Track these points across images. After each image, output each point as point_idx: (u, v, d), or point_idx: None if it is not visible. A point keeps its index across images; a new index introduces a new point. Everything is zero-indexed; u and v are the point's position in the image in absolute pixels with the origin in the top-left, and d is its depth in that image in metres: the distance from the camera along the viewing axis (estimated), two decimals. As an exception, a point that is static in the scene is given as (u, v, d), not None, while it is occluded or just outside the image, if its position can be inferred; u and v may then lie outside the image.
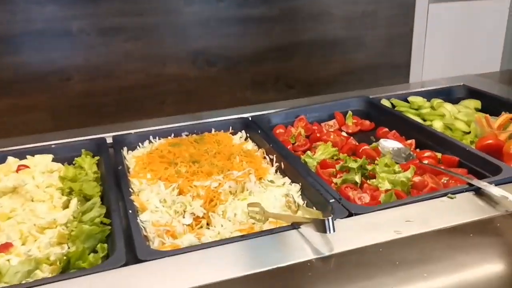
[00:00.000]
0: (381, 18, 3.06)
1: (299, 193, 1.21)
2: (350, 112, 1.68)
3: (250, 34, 2.87)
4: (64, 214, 1.12)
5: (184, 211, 1.15)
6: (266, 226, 1.07)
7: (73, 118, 2.67)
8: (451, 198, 1.07)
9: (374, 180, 1.23)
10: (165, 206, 1.15)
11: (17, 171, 1.31)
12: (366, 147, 1.43)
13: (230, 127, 1.58)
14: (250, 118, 1.61)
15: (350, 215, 1.04)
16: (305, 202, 1.18)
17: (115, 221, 1.06)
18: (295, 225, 1.00)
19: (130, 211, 1.09)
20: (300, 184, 1.23)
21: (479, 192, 1.09)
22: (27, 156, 1.39)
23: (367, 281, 0.85)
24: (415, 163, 1.27)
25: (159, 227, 1.07)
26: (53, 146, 1.45)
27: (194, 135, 1.55)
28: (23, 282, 0.90)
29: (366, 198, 1.17)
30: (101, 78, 2.68)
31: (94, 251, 1.01)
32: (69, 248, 1.02)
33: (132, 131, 1.52)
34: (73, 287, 0.86)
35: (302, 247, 0.94)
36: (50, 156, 1.41)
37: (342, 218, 1.02)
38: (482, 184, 1.08)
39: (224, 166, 1.30)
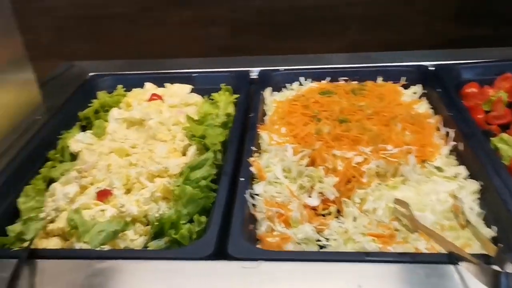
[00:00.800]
0: None
1: (476, 196, 0.83)
2: None
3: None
4: (178, 163, 0.96)
5: (312, 188, 0.88)
6: (414, 239, 0.75)
7: (251, 36, 2.50)
8: None
9: None
10: (289, 178, 0.90)
11: (149, 99, 1.18)
12: None
13: (404, 78, 1.20)
14: (432, 68, 1.21)
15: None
16: (483, 213, 0.80)
17: (221, 189, 0.85)
18: (453, 257, 0.66)
19: (243, 179, 0.87)
20: (481, 183, 0.84)
21: None
22: (166, 84, 1.25)
23: None
24: None
25: (271, 208, 0.83)
26: (194, 75, 1.28)
27: (355, 82, 1.21)
28: (98, 249, 0.76)
29: None
30: (284, -5, 2.42)
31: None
32: (169, 208, 0.86)
33: (282, 68, 1.26)
34: (138, 270, 0.69)
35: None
36: (189, 87, 1.25)
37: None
38: None
39: (379, 133, 0.97)
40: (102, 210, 0.85)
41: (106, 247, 0.78)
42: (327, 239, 0.79)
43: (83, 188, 0.92)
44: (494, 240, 0.74)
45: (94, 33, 2.15)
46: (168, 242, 0.81)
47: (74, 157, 1.03)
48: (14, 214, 0.89)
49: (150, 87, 1.24)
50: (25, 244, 0.80)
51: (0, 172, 0.93)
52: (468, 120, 0.99)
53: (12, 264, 0.70)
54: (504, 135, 0.95)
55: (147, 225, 0.85)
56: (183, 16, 2.50)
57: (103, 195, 0.88)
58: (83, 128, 1.15)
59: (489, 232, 0.76)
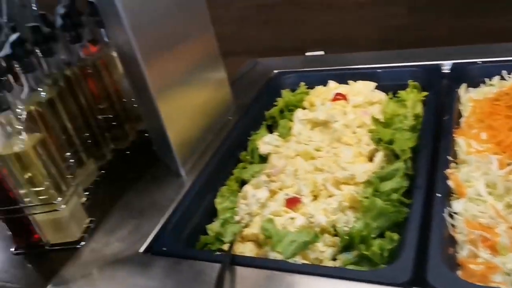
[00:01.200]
0: None
1: None
2: None
3: None
4: (364, 170, 0.92)
5: (522, 208, 0.77)
6: None
7: (431, 15, 2.30)
8: None
9: None
10: (493, 194, 0.80)
11: (333, 99, 1.15)
12: None
13: None
14: None
15: None
16: None
17: (415, 204, 0.79)
18: None
19: (439, 194, 0.79)
20: None
21: None
22: (349, 81, 1.21)
23: None
24: None
25: (473, 230, 0.74)
26: (378, 70, 1.21)
27: None
28: (290, 261, 0.77)
29: None
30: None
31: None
32: (357, 219, 0.83)
33: (479, 60, 1.12)
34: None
35: None
36: (373, 84, 1.19)
37: None
38: None
39: None
40: (292, 218, 0.86)
41: (297, 258, 0.78)
42: (546, 273, 0.68)
43: (272, 193, 0.94)
44: None
45: (268, 20, 2.19)
46: (357, 256, 0.78)
47: (263, 158, 1.06)
48: (211, 213, 0.96)
49: (333, 86, 1.22)
50: (224, 247, 0.86)
51: (201, 172, 1.01)
52: None
53: (215, 267, 0.75)
54: None
55: (335, 235, 0.84)
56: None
57: (292, 202, 0.89)
58: (269, 128, 1.18)
59: None
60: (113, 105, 1.11)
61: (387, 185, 0.85)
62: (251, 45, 2.20)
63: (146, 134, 1.17)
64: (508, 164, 0.82)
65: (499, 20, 1.91)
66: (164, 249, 0.83)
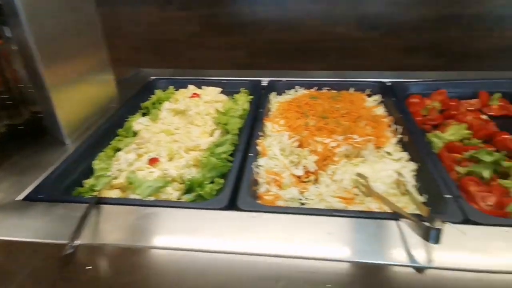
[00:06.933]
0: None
1: (414, 173, 0.79)
2: (499, 94, 1.08)
3: (415, 3, 2.13)
4: (206, 141, 0.92)
5: (298, 163, 0.84)
6: (368, 201, 0.71)
7: (264, 59, 2.43)
8: None
9: (508, 181, 0.73)
10: (283, 155, 0.86)
11: (191, 97, 1.14)
12: (507, 136, 0.88)
13: (369, 90, 1.15)
14: (389, 84, 1.15)
15: (466, 221, 0.61)
16: (418, 186, 0.76)
17: (236, 160, 0.82)
18: (396, 215, 0.62)
19: (251, 154, 0.83)
20: (418, 164, 0.80)
21: None
22: (202, 86, 1.21)
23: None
24: None
25: (269, 175, 0.79)
26: (223, 81, 1.24)
27: (334, 91, 1.16)
28: (146, 199, 0.73)
29: (491, 199, 0.69)
30: (287, 30, 2.34)
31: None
32: (198, 173, 0.83)
33: (284, 79, 1.21)
34: (173, 215, 0.66)
35: (397, 246, 0.57)
36: (219, 89, 1.21)
37: (455, 223, 0.60)
38: None
39: (349, 127, 0.93)
40: (151, 172, 0.82)
41: (152, 198, 0.75)
42: (307, 199, 0.76)
43: (139, 156, 0.89)
44: (425, 205, 0.70)
45: (158, 50, 2.09)
46: (196, 196, 0.78)
47: (135, 134, 1.00)
48: (90, 172, 0.87)
49: (192, 88, 1.21)
50: (95, 193, 0.78)
51: (84, 142, 0.91)
52: (411, 121, 0.94)
53: (84, 207, 0.67)
54: (436, 132, 0.90)
55: (182, 183, 0.82)
56: (218, 42, 2.42)
57: (153, 161, 0.85)
58: (144, 115, 1.12)
59: (422, 199, 0.72)
60: (9, 89, 0.94)
61: (220, 149, 0.86)
62: (142, 64, 2.07)
63: (39, 115, 1.01)
64: (293, 137, 0.90)
65: (303, 64, 2.08)
66: (41, 196, 0.72)
